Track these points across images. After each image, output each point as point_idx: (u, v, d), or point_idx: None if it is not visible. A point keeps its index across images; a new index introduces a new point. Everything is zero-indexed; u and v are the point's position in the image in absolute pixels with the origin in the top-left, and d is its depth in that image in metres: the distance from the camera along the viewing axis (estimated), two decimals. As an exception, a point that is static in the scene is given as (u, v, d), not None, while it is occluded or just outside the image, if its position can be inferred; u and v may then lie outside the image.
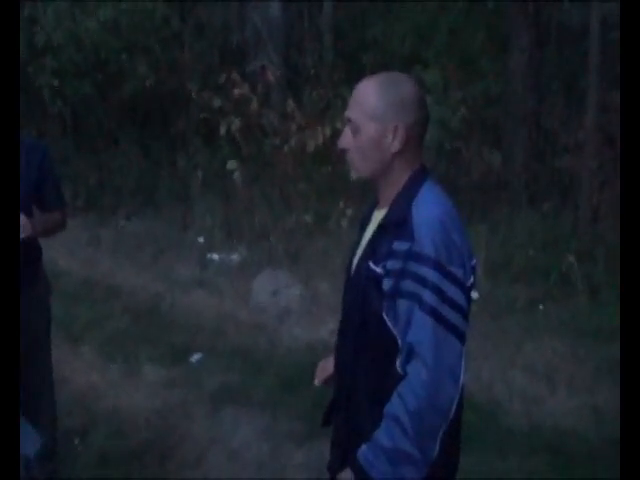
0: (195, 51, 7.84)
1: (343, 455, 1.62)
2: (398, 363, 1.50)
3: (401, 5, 7.65)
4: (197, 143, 7.37)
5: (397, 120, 1.54)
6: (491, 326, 4.53)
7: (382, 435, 1.48)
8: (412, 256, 1.46)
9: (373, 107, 1.55)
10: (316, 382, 1.87)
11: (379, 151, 1.56)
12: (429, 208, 1.51)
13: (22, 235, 2.30)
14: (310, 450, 3.14)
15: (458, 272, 1.47)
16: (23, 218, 2.33)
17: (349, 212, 5.76)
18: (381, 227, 1.57)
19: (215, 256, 5.81)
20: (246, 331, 4.58)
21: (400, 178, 1.58)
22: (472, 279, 1.54)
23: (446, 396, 1.45)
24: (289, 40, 8.01)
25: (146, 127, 8.15)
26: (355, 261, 1.66)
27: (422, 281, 1.45)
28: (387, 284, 1.50)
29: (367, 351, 1.58)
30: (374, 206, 1.69)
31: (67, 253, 5.82)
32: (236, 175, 6.36)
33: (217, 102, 6.57)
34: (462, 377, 1.49)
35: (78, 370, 3.97)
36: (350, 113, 1.59)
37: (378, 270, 1.51)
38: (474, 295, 1.59)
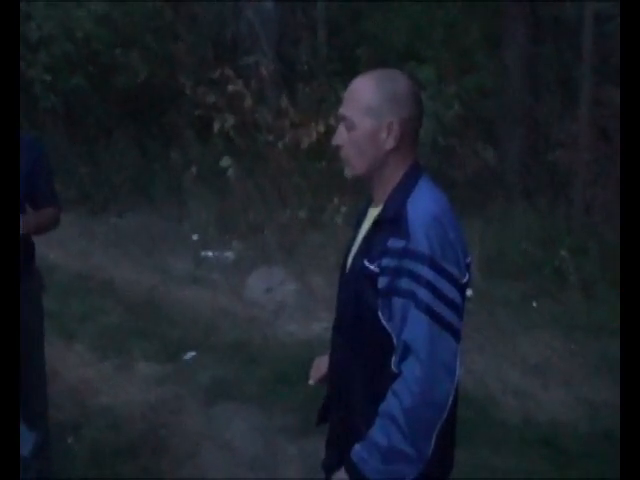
0: (188, 44, 7.79)
1: (338, 454, 1.62)
2: (393, 361, 1.50)
3: (396, -1, 7.63)
4: (191, 137, 7.33)
5: (392, 116, 1.53)
6: (485, 321, 4.54)
7: (376, 433, 1.47)
8: (407, 254, 1.45)
9: (368, 103, 1.54)
10: (311, 381, 1.86)
11: (374, 147, 1.55)
12: (424, 205, 1.51)
13: None
14: (304, 445, 3.15)
15: (453, 270, 1.47)
16: None
17: (343, 209, 5.76)
18: (376, 224, 1.56)
19: (209, 253, 5.79)
20: (240, 326, 4.57)
21: (395, 175, 1.57)
22: (467, 277, 1.54)
23: (441, 393, 1.45)
24: (283, 34, 7.97)
25: (139, 120, 8.09)
26: (350, 258, 1.65)
27: (417, 279, 1.44)
28: (382, 282, 1.49)
29: (362, 349, 1.58)
30: (369, 203, 1.68)
31: (60, 247, 5.79)
32: (230, 172, 6.35)
33: (211, 98, 6.55)
34: (457, 374, 1.48)
35: (71, 365, 3.95)
36: (345, 110, 1.58)
37: (373, 268, 1.51)
38: (468, 293, 1.59)
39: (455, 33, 6.86)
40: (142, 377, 3.85)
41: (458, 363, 1.48)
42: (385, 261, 1.48)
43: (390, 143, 1.54)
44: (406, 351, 1.46)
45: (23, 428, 2.13)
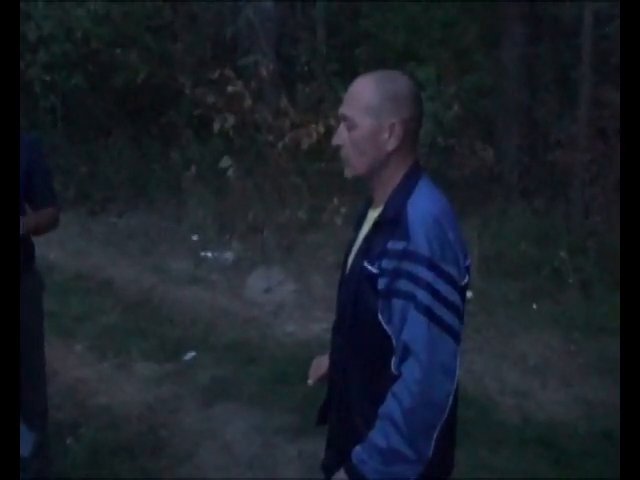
0: (188, 44, 7.78)
1: (338, 455, 1.62)
2: (393, 363, 1.50)
3: (394, -2, 7.63)
4: (190, 137, 7.33)
5: (394, 117, 1.53)
6: (483, 320, 4.55)
7: (376, 435, 1.47)
8: (407, 255, 1.45)
9: (369, 103, 1.54)
10: (310, 381, 1.86)
11: (375, 147, 1.55)
12: (424, 206, 1.50)
13: None
14: (302, 444, 3.15)
15: (453, 271, 1.46)
16: None
17: (343, 209, 5.77)
18: (376, 225, 1.56)
19: (209, 254, 5.79)
20: (239, 326, 4.57)
21: (395, 175, 1.57)
22: (467, 278, 1.54)
23: (441, 394, 1.45)
24: (282, 34, 7.97)
25: (139, 120, 8.09)
26: (350, 259, 1.65)
27: (416, 280, 1.44)
28: (382, 283, 1.49)
29: (361, 350, 1.57)
30: (369, 204, 1.67)
31: (59, 247, 5.79)
32: (230, 172, 6.35)
33: (210, 98, 6.55)
34: (457, 376, 1.48)
35: (70, 365, 3.95)
36: (345, 109, 1.58)
37: (373, 269, 1.51)
38: (468, 294, 1.59)
39: (453, 33, 6.86)
40: (141, 377, 3.84)
41: (458, 364, 1.48)
42: (385, 262, 1.48)
43: (392, 144, 1.54)
44: (406, 353, 1.46)
45: (23, 428, 2.13)
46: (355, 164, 1.59)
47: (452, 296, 1.46)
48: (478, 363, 4.02)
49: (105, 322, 4.55)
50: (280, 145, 6.42)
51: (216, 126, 6.48)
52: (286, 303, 4.90)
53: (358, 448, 1.50)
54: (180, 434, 3.27)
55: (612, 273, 4.69)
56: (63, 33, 7.09)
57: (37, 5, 7.06)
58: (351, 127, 1.56)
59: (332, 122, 6.00)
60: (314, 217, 6.13)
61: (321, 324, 4.45)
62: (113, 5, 7.25)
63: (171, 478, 2.97)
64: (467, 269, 1.55)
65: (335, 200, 5.97)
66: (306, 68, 7.33)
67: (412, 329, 1.45)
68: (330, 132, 5.56)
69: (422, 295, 1.44)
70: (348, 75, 6.21)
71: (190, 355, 4.11)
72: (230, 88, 6.50)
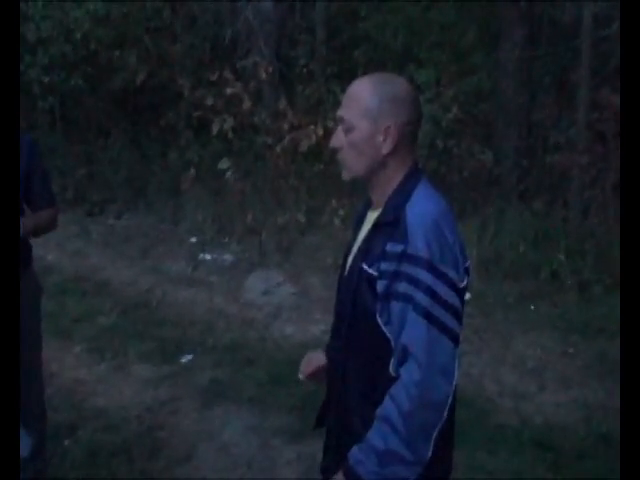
0: (187, 45, 7.78)
1: (336, 457, 1.62)
2: (391, 365, 1.50)
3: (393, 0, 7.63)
4: (189, 139, 7.32)
5: (390, 120, 1.53)
6: (481, 322, 4.55)
7: (374, 436, 1.47)
8: (406, 257, 1.45)
9: (366, 106, 1.54)
10: (300, 375, 1.86)
11: (371, 150, 1.55)
12: (423, 208, 1.50)
13: None
14: (300, 446, 3.14)
15: (452, 273, 1.47)
16: None
17: (341, 211, 5.77)
18: (375, 227, 1.56)
19: (207, 256, 5.79)
20: (237, 328, 4.57)
21: (394, 178, 1.57)
22: (466, 280, 1.54)
23: (439, 396, 1.45)
24: (281, 35, 7.97)
25: (137, 121, 8.09)
26: (349, 261, 1.65)
27: (415, 283, 1.44)
28: (381, 285, 1.49)
29: (360, 352, 1.57)
30: (368, 205, 1.68)
31: (57, 248, 5.78)
32: (228, 174, 6.35)
33: (209, 100, 6.55)
34: (455, 378, 1.48)
35: (67, 366, 3.94)
36: (343, 112, 1.58)
37: (372, 271, 1.51)
38: (467, 296, 1.59)
39: (452, 35, 6.87)
40: (139, 378, 3.84)
41: (456, 367, 1.48)
42: (384, 265, 1.48)
43: (387, 147, 1.54)
44: (404, 355, 1.46)
45: (20, 430, 2.12)
46: (352, 167, 1.59)
47: (451, 298, 1.46)
48: (476, 365, 4.02)
49: (103, 323, 4.54)
50: (279, 147, 6.42)
51: (215, 128, 6.48)
52: (284, 305, 4.89)
53: (355, 449, 1.51)
54: (178, 436, 3.27)
55: (610, 275, 4.70)
56: (62, 34, 7.09)
57: (36, 6, 7.06)
58: (348, 130, 1.56)
59: (331, 124, 6.00)
60: (312, 219, 6.13)
61: (319, 326, 4.45)
62: (112, 6, 7.25)
63: (169, 479, 2.96)
64: (466, 271, 1.55)
65: (333, 202, 5.97)
66: (305, 70, 7.34)
67: (411, 331, 1.45)
68: (329, 134, 5.56)
69: (421, 297, 1.44)
70: (347, 77, 6.22)
71: (188, 357, 4.11)
72: (229, 90, 6.51)
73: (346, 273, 1.65)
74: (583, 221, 5.57)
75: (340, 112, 1.59)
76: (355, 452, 1.50)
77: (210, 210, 6.33)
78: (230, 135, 6.54)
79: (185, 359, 4.08)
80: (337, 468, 1.56)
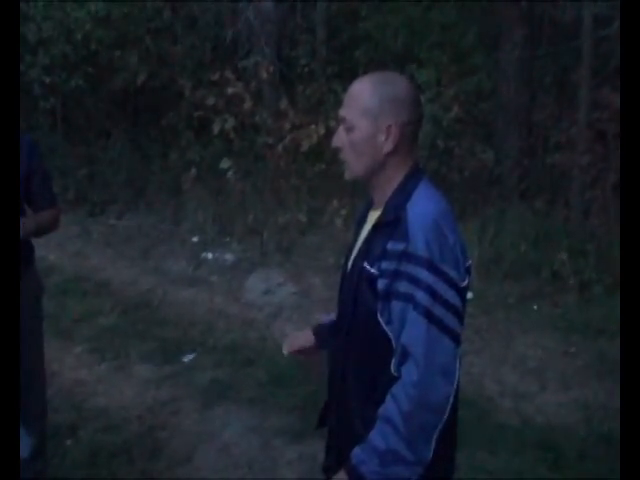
0: (187, 44, 7.79)
1: (337, 457, 1.62)
2: (392, 364, 1.50)
3: (393, 0, 7.63)
4: (190, 139, 7.33)
5: (391, 119, 1.53)
6: (482, 322, 4.55)
7: (375, 436, 1.48)
8: (406, 257, 1.45)
9: (367, 105, 1.54)
10: (285, 351, 1.87)
11: (372, 150, 1.55)
12: (424, 208, 1.50)
13: None
14: (302, 446, 3.14)
15: (452, 273, 1.46)
16: None
17: (343, 211, 5.77)
18: (376, 227, 1.56)
19: (208, 255, 5.79)
20: (238, 328, 4.57)
21: (394, 177, 1.57)
22: (467, 280, 1.54)
23: (439, 396, 1.45)
24: (282, 35, 7.97)
25: (138, 122, 8.10)
26: (350, 260, 1.65)
27: (416, 282, 1.44)
28: (381, 285, 1.49)
29: (361, 351, 1.57)
30: (370, 205, 1.68)
31: (58, 248, 5.79)
32: (230, 174, 6.35)
33: (210, 100, 6.55)
34: (457, 378, 1.48)
35: (68, 366, 3.94)
36: (344, 111, 1.58)
37: (373, 271, 1.51)
38: (469, 295, 1.59)
39: (453, 35, 6.87)
40: (140, 379, 3.84)
41: (458, 366, 1.48)
42: (385, 264, 1.48)
43: (388, 146, 1.54)
44: (405, 354, 1.46)
45: (21, 430, 2.12)
46: (354, 166, 1.59)
47: (452, 298, 1.46)
48: (477, 365, 4.02)
49: (104, 324, 4.55)
50: (280, 147, 6.42)
51: (216, 128, 6.49)
52: (285, 305, 4.89)
53: (357, 449, 1.51)
54: (179, 436, 3.27)
55: (611, 275, 4.69)
56: (63, 35, 7.09)
57: (37, 6, 7.07)
58: (349, 129, 1.56)
59: (332, 124, 6.00)
60: (314, 219, 6.13)
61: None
62: (113, 7, 7.25)
63: (170, 479, 2.96)
64: (467, 270, 1.55)
65: (335, 202, 5.97)
66: (306, 70, 7.34)
67: (411, 331, 1.45)
68: (330, 134, 5.56)
69: (421, 297, 1.44)
70: (348, 77, 6.22)
71: (189, 357, 4.11)
72: (230, 89, 6.51)
73: (347, 273, 1.65)
74: (584, 221, 5.57)
75: (341, 111, 1.59)
76: (357, 452, 1.50)
77: (211, 210, 6.33)
78: (231, 135, 6.54)
79: (187, 358, 4.08)
80: (339, 468, 1.56)
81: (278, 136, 6.52)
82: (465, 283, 1.52)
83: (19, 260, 1.76)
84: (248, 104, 6.51)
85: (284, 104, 6.63)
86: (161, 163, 7.36)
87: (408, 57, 6.87)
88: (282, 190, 6.39)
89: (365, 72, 1.64)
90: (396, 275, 1.46)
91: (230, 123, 6.44)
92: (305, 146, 6.23)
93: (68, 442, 3.17)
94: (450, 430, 1.54)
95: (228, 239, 6.07)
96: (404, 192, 1.54)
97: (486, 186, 6.27)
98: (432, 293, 1.44)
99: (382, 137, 1.54)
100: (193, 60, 7.74)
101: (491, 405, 3.61)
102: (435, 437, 1.46)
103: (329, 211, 5.97)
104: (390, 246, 1.48)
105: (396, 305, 1.47)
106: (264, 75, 6.85)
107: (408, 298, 1.45)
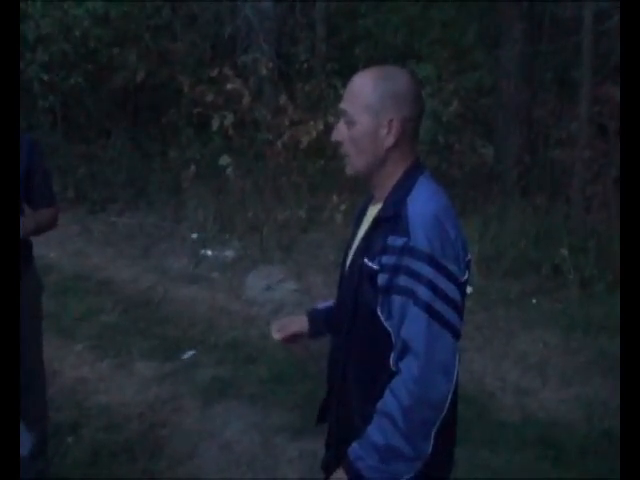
0: (186, 42, 7.78)
1: (337, 453, 1.61)
2: (392, 359, 1.49)
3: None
4: (189, 135, 7.32)
5: (392, 113, 1.52)
6: (483, 318, 4.54)
7: (374, 431, 1.47)
8: (407, 251, 1.44)
9: (368, 99, 1.53)
10: (275, 336, 1.86)
11: (373, 144, 1.54)
12: (424, 203, 1.50)
13: None
14: (302, 444, 3.14)
15: (453, 268, 1.46)
16: None
17: (343, 207, 5.76)
18: (376, 222, 1.55)
19: (209, 253, 5.79)
20: (239, 325, 4.57)
21: (395, 172, 1.57)
22: (467, 274, 1.53)
23: (438, 392, 1.44)
24: (282, 32, 7.96)
25: (138, 119, 8.09)
26: (350, 256, 1.64)
27: (417, 276, 1.43)
28: (382, 279, 1.48)
29: (361, 347, 1.57)
30: (369, 200, 1.67)
31: (58, 247, 5.78)
32: (229, 170, 6.34)
33: (209, 97, 6.54)
34: (456, 373, 1.47)
35: (69, 365, 3.94)
36: (345, 106, 1.57)
37: (373, 266, 1.50)
38: (468, 290, 1.58)
39: (453, 32, 6.86)
40: (141, 377, 3.84)
41: (457, 362, 1.48)
42: (385, 259, 1.47)
43: (390, 141, 1.53)
44: (405, 349, 1.46)
45: (22, 429, 2.12)
46: (354, 161, 1.59)
47: (452, 292, 1.46)
48: (478, 362, 4.01)
49: (105, 322, 4.55)
50: (279, 143, 6.41)
51: (215, 124, 6.47)
52: (286, 302, 4.89)
53: (355, 445, 1.50)
54: (180, 434, 3.27)
55: (612, 271, 4.69)
56: (62, 33, 7.08)
57: (36, 4, 7.06)
58: (350, 124, 1.56)
59: (331, 120, 5.99)
60: (314, 215, 6.12)
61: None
62: (112, 5, 7.24)
63: (171, 478, 2.97)
64: (467, 265, 1.55)
65: (335, 198, 5.97)
66: (305, 66, 7.33)
67: (412, 325, 1.44)
68: (329, 130, 5.54)
69: (422, 291, 1.43)
70: (347, 73, 6.20)
71: (190, 354, 4.11)
72: (229, 86, 6.49)
73: (347, 269, 1.64)
74: (585, 217, 5.56)
75: (342, 106, 1.58)
76: (355, 448, 1.50)
77: (211, 207, 6.32)
78: (230, 132, 6.53)
79: (188, 356, 4.08)
80: (337, 463, 1.55)
81: (277, 133, 6.51)
82: (465, 278, 1.51)
83: (19, 259, 1.76)
84: (247, 100, 6.50)
85: (283, 100, 6.62)
86: (161, 161, 7.36)
87: (408, 54, 6.86)
88: (282, 187, 6.39)
89: (365, 68, 1.63)
90: (396, 270, 1.45)
91: (229, 119, 6.43)
92: (305, 142, 6.22)
93: (69, 440, 3.17)
94: (449, 425, 1.53)
95: (228, 236, 6.07)
96: (404, 187, 1.53)
97: (486, 182, 6.27)
98: (433, 288, 1.43)
99: (383, 132, 1.53)
100: (192, 57, 7.73)
101: (492, 402, 3.61)
102: (434, 432, 1.46)
103: (329, 207, 5.97)
104: (390, 241, 1.47)
105: (396, 300, 1.46)
106: (263, 71, 6.84)
107: (409, 293, 1.44)
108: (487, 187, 6.17)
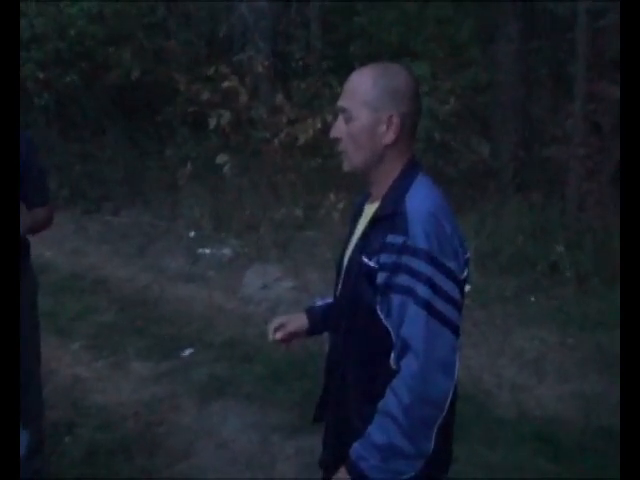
0: (182, 41, 7.76)
1: (335, 452, 1.61)
2: (392, 358, 1.49)
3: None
4: (185, 133, 7.31)
5: (392, 110, 1.52)
6: (480, 315, 4.55)
7: (375, 431, 1.47)
8: (406, 250, 1.44)
9: (368, 95, 1.53)
10: (270, 337, 1.86)
11: (372, 140, 1.54)
12: (422, 201, 1.50)
13: None
14: (300, 442, 3.14)
15: (452, 265, 1.46)
16: None
17: (339, 206, 5.75)
18: (374, 220, 1.55)
19: (205, 251, 5.78)
20: (236, 323, 4.56)
21: (392, 170, 1.56)
22: (466, 272, 1.53)
23: (439, 390, 1.44)
24: (277, 30, 7.95)
25: (133, 118, 8.07)
26: (347, 255, 1.64)
27: (416, 275, 1.43)
28: (381, 278, 1.48)
29: (359, 346, 1.56)
30: (366, 198, 1.67)
31: (54, 245, 5.77)
32: (226, 169, 6.33)
33: (206, 95, 6.53)
34: (456, 370, 1.47)
35: (65, 364, 3.94)
36: (343, 102, 1.57)
37: (372, 264, 1.50)
38: (467, 288, 1.58)
39: (448, 29, 6.86)
40: (137, 375, 3.83)
41: (457, 359, 1.47)
42: (384, 257, 1.47)
43: (389, 137, 1.53)
44: (405, 348, 1.45)
45: (20, 429, 2.11)
46: (352, 157, 1.58)
47: (452, 290, 1.46)
48: (475, 358, 4.02)
49: (101, 321, 4.54)
50: (276, 141, 6.40)
51: (212, 122, 6.46)
52: (283, 300, 4.89)
53: (356, 445, 1.50)
54: (177, 432, 3.27)
55: (609, 267, 4.70)
56: (56, 31, 7.06)
57: (30, 3, 7.03)
58: (349, 120, 1.55)
59: (329, 117, 5.98)
60: (310, 213, 6.12)
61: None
62: (106, 3, 7.22)
63: (168, 476, 2.96)
64: (466, 262, 1.55)
65: (332, 196, 5.96)
66: (301, 64, 7.32)
67: (411, 324, 1.44)
68: (326, 128, 5.55)
69: (421, 289, 1.43)
70: (343, 71, 6.19)
71: (186, 353, 4.10)
72: (225, 84, 6.48)
73: (344, 267, 1.64)
74: (580, 214, 5.57)
75: (340, 102, 1.57)
76: (357, 448, 1.49)
77: (208, 206, 6.31)
78: (227, 130, 6.52)
79: (184, 354, 4.08)
80: (335, 462, 1.55)
81: (274, 131, 6.50)
82: (464, 275, 1.51)
83: (19, 258, 1.75)
84: (244, 98, 6.49)
85: (280, 99, 6.61)
86: (157, 159, 7.34)
87: (403, 51, 6.85)
88: (279, 185, 6.38)
89: (360, 66, 1.62)
90: (396, 268, 1.45)
91: (226, 118, 6.41)
92: (301, 140, 6.21)
93: (66, 439, 3.16)
94: (449, 424, 1.53)
95: (225, 235, 6.06)
96: (402, 185, 1.53)
97: (483, 179, 6.27)
98: (432, 286, 1.43)
99: (382, 128, 1.53)
100: (188, 56, 7.72)
101: (489, 398, 3.62)
102: (435, 430, 1.45)
103: (326, 206, 5.96)
104: (389, 239, 1.47)
105: (396, 298, 1.46)
106: (259, 69, 6.83)
107: (408, 291, 1.44)
108: (483, 184, 6.18)
